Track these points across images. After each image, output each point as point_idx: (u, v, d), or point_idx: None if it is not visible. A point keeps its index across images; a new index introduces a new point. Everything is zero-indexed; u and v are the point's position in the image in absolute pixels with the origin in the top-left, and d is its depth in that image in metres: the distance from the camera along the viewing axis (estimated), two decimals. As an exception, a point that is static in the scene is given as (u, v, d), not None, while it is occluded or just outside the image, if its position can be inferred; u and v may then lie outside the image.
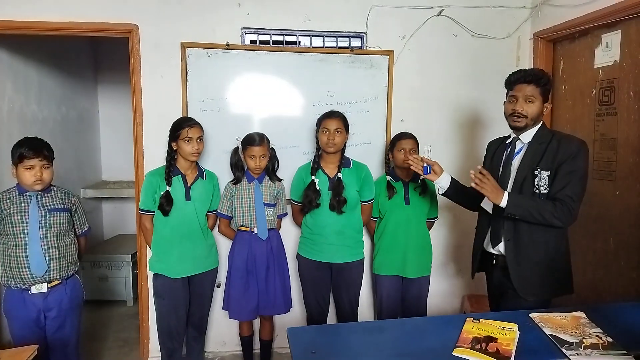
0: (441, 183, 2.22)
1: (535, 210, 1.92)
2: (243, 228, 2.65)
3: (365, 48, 2.98)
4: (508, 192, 1.94)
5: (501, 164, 2.14)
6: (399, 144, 2.65)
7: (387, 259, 2.69)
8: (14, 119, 3.30)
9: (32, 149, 2.18)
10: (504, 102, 2.13)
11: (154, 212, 2.52)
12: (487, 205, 2.11)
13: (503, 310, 1.98)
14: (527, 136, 2.06)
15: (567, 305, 1.85)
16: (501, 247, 2.08)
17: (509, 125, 2.10)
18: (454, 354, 1.45)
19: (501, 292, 2.12)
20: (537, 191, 1.96)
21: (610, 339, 1.51)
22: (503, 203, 1.92)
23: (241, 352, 2.94)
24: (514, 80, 2.05)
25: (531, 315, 1.71)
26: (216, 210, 2.71)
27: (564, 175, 1.92)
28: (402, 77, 3.00)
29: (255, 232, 2.62)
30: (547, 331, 1.58)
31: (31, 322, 2.23)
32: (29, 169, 2.17)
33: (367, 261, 2.85)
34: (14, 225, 2.19)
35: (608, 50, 2.55)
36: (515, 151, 2.09)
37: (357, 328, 1.81)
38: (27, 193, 2.23)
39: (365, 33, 2.97)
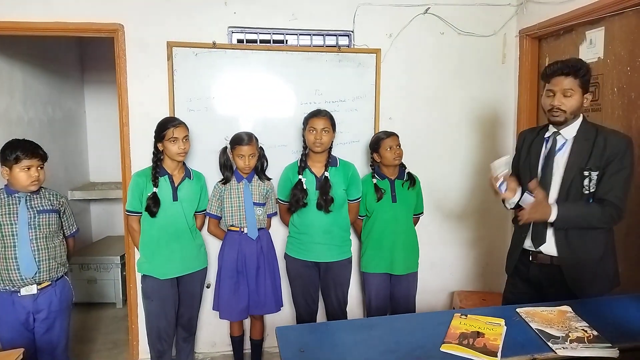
0: (514, 199, 2.06)
1: (582, 219, 1.88)
2: (233, 228, 2.64)
3: (352, 46, 2.98)
4: (557, 207, 1.86)
5: (539, 159, 2.03)
6: (385, 143, 2.65)
7: (375, 256, 2.70)
8: (0, 121, 3.26)
9: (29, 149, 2.17)
10: (542, 96, 2.01)
11: (141, 213, 2.51)
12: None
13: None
14: (570, 131, 1.94)
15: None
16: (551, 247, 1.99)
17: (548, 120, 1.99)
18: (441, 349, 1.46)
19: (541, 291, 2.05)
20: (586, 192, 1.88)
21: (595, 333, 1.52)
22: (552, 219, 1.86)
23: (232, 352, 2.93)
24: (550, 73, 1.92)
25: (518, 310, 1.72)
26: (204, 210, 2.70)
27: (611, 175, 1.84)
28: (390, 75, 3.01)
29: (245, 231, 2.61)
30: (534, 325, 1.59)
31: (20, 324, 2.22)
32: (26, 169, 2.15)
33: (356, 259, 2.86)
34: (3, 227, 2.17)
35: (592, 47, 2.58)
36: (557, 147, 1.98)
37: (345, 326, 1.80)
38: (16, 194, 2.21)
39: (352, 31, 2.97)
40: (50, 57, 4.09)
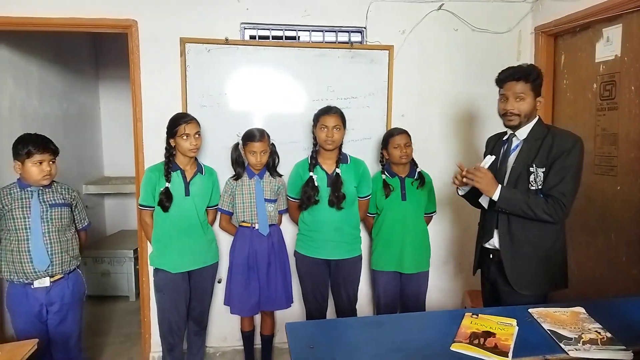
0: (464, 186, 2.15)
1: (525, 205, 1.92)
2: (244, 224, 2.65)
3: (365, 43, 2.97)
4: (501, 186, 1.94)
5: (499, 160, 2.13)
6: (393, 140, 2.64)
7: (384, 254, 2.69)
8: (16, 115, 3.30)
9: (40, 144, 2.21)
10: (498, 101, 2.12)
11: (153, 207, 2.53)
12: (484, 200, 2.10)
13: (498, 306, 1.97)
14: (523, 132, 2.05)
15: (566, 300, 1.84)
16: (496, 242, 2.09)
17: (504, 124, 2.10)
18: (451, 348, 1.45)
19: (496, 288, 2.13)
20: (532, 187, 1.97)
21: (609, 335, 1.50)
22: (495, 196, 1.93)
23: (242, 347, 2.95)
24: (503, 79, 2.03)
25: (530, 310, 1.71)
26: (216, 205, 2.71)
27: (557, 171, 1.92)
28: (402, 72, 2.99)
29: (257, 227, 2.63)
30: (546, 326, 1.58)
31: (33, 316, 2.26)
32: (38, 164, 2.18)
33: (366, 257, 2.85)
34: (16, 220, 2.20)
35: (609, 45, 2.53)
36: (512, 148, 2.09)
37: (355, 323, 1.81)
38: (29, 188, 2.24)
39: (365, 28, 2.96)
40: (66, 53, 4.13)
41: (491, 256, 2.14)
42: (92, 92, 4.75)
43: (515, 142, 2.09)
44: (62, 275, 2.32)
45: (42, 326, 2.29)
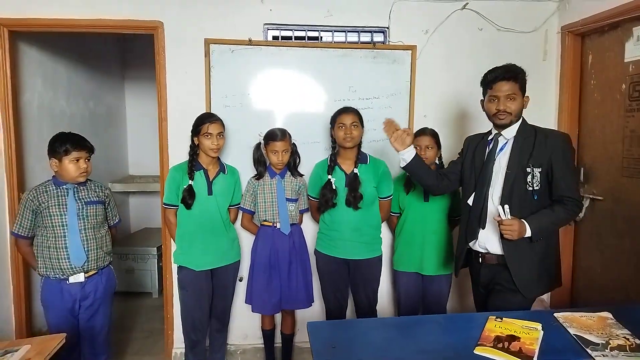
0: (404, 155, 2.14)
1: (553, 225, 2.00)
2: (266, 223, 2.68)
3: (387, 43, 2.96)
4: (528, 222, 1.91)
5: (484, 160, 2.12)
6: (416, 141, 2.62)
7: (405, 255, 2.67)
8: (44, 114, 3.39)
9: (78, 142, 2.26)
10: (481, 101, 2.13)
11: (177, 206, 2.57)
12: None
13: (491, 308, 2.01)
14: (510, 132, 2.05)
15: (593, 304, 1.81)
16: (486, 244, 2.07)
17: (493, 124, 2.10)
18: (475, 352, 1.45)
19: (489, 289, 2.13)
20: (529, 188, 1.97)
21: (638, 341, 1.47)
22: (528, 234, 1.92)
23: (263, 345, 2.98)
24: (492, 79, 2.03)
25: (555, 314, 1.68)
26: (238, 204, 2.74)
27: (561, 173, 1.96)
28: (425, 72, 2.97)
29: (278, 227, 2.65)
30: (572, 331, 1.56)
31: (67, 311, 2.31)
32: (75, 161, 2.24)
33: (388, 256, 2.84)
34: (53, 217, 2.26)
35: (639, 44, 2.47)
36: (499, 147, 2.08)
37: (376, 324, 1.81)
38: (64, 186, 2.30)
39: (387, 28, 2.95)
40: (93, 54, 4.23)
41: (480, 260, 2.12)
42: (118, 92, 4.85)
43: (502, 141, 2.08)
44: (96, 271, 2.37)
45: (74, 321, 2.34)
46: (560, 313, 1.69)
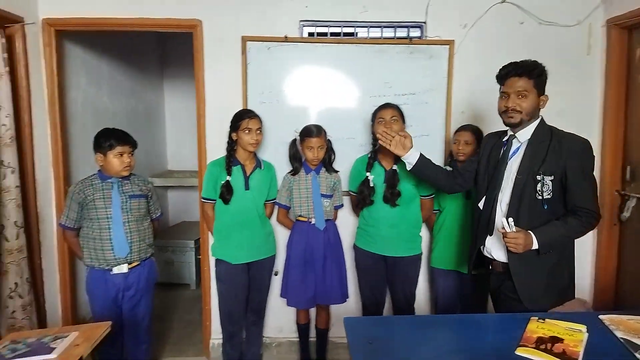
0: (408, 159, 2.11)
1: (563, 237, 1.88)
2: (301, 218, 2.70)
3: (424, 38, 2.92)
4: (535, 235, 1.81)
5: (498, 162, 2.02)
6: (456, 136, 2.61)
7: (444, 253, 2.64)
8: (88, 111, 3.52)
9: (121, 137, 2.35)
10: (498, 99, 2.01)
11: (215, 200, 2.63)
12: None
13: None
14: (525, 134, 1.93)
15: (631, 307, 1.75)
16: (493, 251, 2.00)
17: (504, 122, 1.98)
18: (517, 352, 1.42)
19: (495, 297, 2.08)
20: (539, 197, 1.85)
21: (689, 346, 1.42)
22: (535, 246, 1.82)
23: (297, 339, 3.01)
24: (504, 75, 1.93)
25: (601, 317, 1.64)
26: (273, 199, 2.78)
27: (576, 182, 1.83)
28: (463, 68, 2.92)
29: (313, 222, 2.67)
30: (619, 334, 1.51)
31: (110, 300, 2.40)
32: (119, 156, 2.32)
33: (426, 254, 2.82)
34: (98, 210, 2.35)
35: (693, 36, 2.36)
36: (512, 151, 1.97)
37: (414, 321, 1.81)
38: (109, 180, 2.39)
39: (424, 22, 2.91)
40: (133, 52, 4.34)
41: (490, 267, 2.05)
42: (157, 90, 4.98)
43: (515, 144, 1.96)
44: (139, 262, 2.45)
45: (117, 310, 2.43)
46: (606, 315, 1.64)
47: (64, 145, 3.01)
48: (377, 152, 2.62)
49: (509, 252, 1.86)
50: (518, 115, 1.89)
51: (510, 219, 1.79)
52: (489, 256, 2.03)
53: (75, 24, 2.88)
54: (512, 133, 1.98)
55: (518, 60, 1.94)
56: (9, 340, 1.78)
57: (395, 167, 2.56)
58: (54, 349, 1.67)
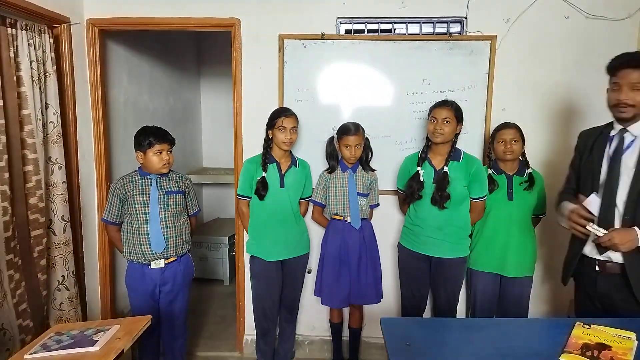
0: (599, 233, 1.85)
1: None
2: (336, 217, 2.69)
3: (465, 33, 2.85)
4: (637, 230, 1.71)
5: (603, 160, 1.89)
6: (499, 134, 2.52)
7: (484, 254, 2.56)
8: (129, 109, 3.62)
9: (160, 135, 2.39)
10: (607, 90, 1.88)
11: (250, 197, 2.64)
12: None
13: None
14: (639, 127, 1.81)
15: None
16: (615, 254, 1.84)
17: (614, 116, 1.87)
18: (561, 359, 1.36)
19: (606, 302, 1.91)
20: None
21: None
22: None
23: (330, 338, 3.00)
24: (617, 66, 1.80)
25: (653, 324, 1.55)
26: (308, 197, 2.77)
27: None
28: (505, 64, 2.83)
29: (349, 221, 2.65)
30: (673, 343, 1.43)
31: (148, 294, 2.46)
32: (158, 153, 2.37)
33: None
34: (137, 206, 2.41)
35: None
36: (625, 146, 1.84)
37: (453, 323, 1.76)
38: (149, 176, 2.44)
39: (465, 17, 2.84)
40: (172, 51, 4.44)
41: (597, 268, 1.89)
42: (194, 88, 5.07)
43: (629, 138, 1.84)
44: (176, 258, 2.49)
45: (155, 304, 2.49)
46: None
47: (106, 141, 3.11)
48: (429, 149, 2.55)
49: (624, 252, 1.77)
50: (631, 110, 1.78)
51: (592, 224, 1.74)
52: (601, 258, 1.88)
53: (118, 24, 2.96)
54: (623, 127, 1.86)
55: (633, 52, 1.84)
56: (54, 332, 1.84)
57: (446, 168, 2.45)
58: (96, 341, 1.71)
